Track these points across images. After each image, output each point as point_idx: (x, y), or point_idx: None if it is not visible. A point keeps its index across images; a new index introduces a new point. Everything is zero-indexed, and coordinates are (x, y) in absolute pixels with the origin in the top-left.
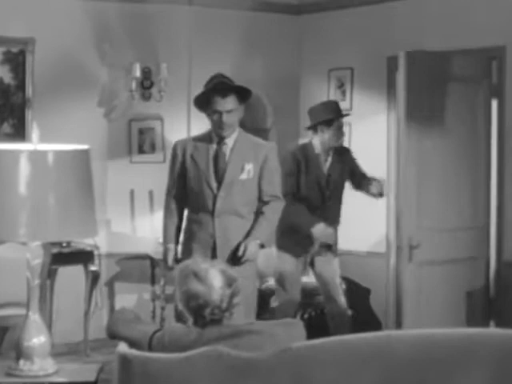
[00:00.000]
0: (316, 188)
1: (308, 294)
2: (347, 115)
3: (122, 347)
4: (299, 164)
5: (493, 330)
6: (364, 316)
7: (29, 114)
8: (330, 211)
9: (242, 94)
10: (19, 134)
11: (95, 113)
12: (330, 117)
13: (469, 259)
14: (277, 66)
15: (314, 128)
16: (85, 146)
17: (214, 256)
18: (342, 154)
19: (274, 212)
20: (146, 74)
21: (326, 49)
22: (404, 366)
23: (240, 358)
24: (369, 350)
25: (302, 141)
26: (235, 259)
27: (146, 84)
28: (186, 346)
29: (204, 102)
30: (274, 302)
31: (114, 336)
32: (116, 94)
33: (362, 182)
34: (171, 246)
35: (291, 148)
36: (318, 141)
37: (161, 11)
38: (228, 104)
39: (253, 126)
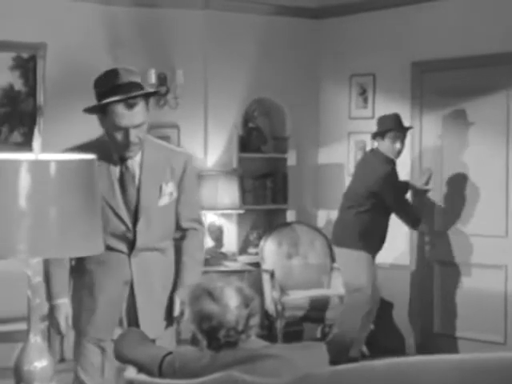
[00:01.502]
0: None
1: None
2: (407, 128)
3: (130, 372)
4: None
5: None
6: (386, 331)
7: (40, 122)
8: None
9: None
10: (29, 143)
11: None
12: (380, 129)
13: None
14: (296, 72)
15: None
16: (91, 156)
17: (133, 312)
18: None
19: (199, 248)
20: (162, 80)
21: (346, 54)
22: None
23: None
24: (398, 377)
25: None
26: (170, 320)
27: (162, 90)
28: (198, 372)
29: (96, 109)
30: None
31: (121, 359)
32: None
33: None
34: (62, 301)
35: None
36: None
37: (175, 16)
38: (138, 116)
39: (271, 134)
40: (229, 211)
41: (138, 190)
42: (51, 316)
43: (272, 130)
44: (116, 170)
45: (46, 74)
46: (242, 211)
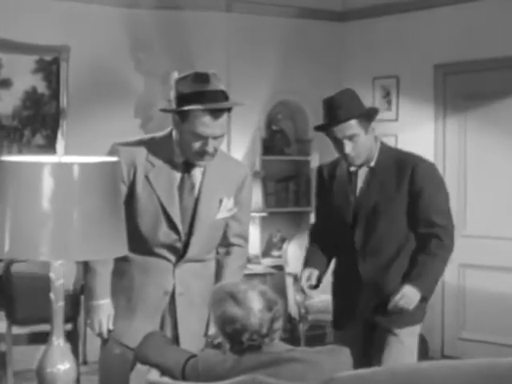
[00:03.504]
0: (340, 224)
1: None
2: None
3: (153, 375)
4: (322, 184)
5: None
6: None
7: (63, 125)
8: (367, 263)
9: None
10: (52, 145)
11: (131, 123)
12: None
13: None
14: (319, 74)
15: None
16: (114, 158)
17: (172, 325)
18: (393, 169)
19: (242, 268)
20: None
21: (370, 56)
22: None
23: None
24: (423, 381)
25: None
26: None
27: None
28: (222, 375)
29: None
30: None
31: (144, 362)
32: (153, 104)
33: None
34: (106, 302)
35: None
36: None
37: (198, 18)
38: (221, 128)
39: (295, 136)
40: (252, 214)
41: (197, 200)
42: (91, 316)
43: (295, 133)
44: (177, 176)
45: (69, 76)
46: (265, 214)
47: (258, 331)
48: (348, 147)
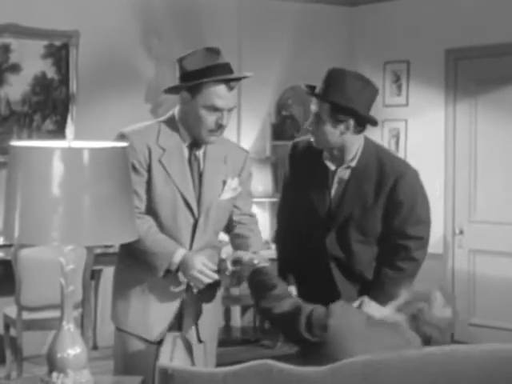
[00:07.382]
0: (310, 224)
1: None
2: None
3: (164, 359)
4: (295, 163)
5: None
6: None
7: (73, 110)
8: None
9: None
10: (62, 131)
11: (142, 108)
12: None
13: None
14: (330, 59)
15: None
16: (123, 144)
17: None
18: (374, 177)
19: (259, 232)
20: None
21: (381, 41)
22: None
23: (292, 373)
24: (433, 366)
25: None
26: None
27: None
28: None
29: (179, 90)
30: None
31: None
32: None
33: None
34: (182, 252)
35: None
36: None
37: (210, 4)
38: (234, 99)
39: (305, 121)
40: (262, 199)
41: (200, 182)
42: (188, 279)
43: (306, 118)
44: (186, 158)
45: (78, 61)
46: (275, 199)
47: None
48: (308, 121)
